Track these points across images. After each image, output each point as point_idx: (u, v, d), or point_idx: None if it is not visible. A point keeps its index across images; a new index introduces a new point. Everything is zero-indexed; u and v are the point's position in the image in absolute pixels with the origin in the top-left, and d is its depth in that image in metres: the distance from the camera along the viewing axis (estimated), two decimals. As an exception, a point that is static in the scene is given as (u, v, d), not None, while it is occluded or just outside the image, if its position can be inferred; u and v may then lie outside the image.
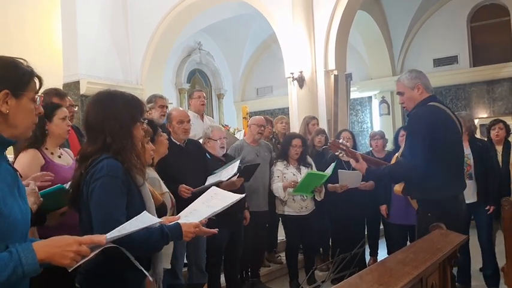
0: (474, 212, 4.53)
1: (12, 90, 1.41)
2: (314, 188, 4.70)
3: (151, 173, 2.71)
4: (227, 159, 4.28)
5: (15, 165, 2.43)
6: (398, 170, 3.14)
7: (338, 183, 4.85)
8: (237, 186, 3.92)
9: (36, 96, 1.48)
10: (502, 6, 10.22)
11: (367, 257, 5.49)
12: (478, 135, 5.29)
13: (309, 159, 4.98)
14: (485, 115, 10.15)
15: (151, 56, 9.35)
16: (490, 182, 4.52)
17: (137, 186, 1.91)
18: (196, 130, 4.79)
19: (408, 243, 4.57)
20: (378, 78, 11.32)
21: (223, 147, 4.29)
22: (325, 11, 7.81)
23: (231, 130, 9.08)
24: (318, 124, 6.19)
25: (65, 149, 2.90)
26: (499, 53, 10.18)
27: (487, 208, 4.53)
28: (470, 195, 4.30)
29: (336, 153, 3.54)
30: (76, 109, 4.05)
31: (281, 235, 5.42)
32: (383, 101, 11.40)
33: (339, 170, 4.80)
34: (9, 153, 2.21)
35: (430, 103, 3.09)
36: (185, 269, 3.90)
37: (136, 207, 1.85)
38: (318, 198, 4.83)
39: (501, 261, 4.19)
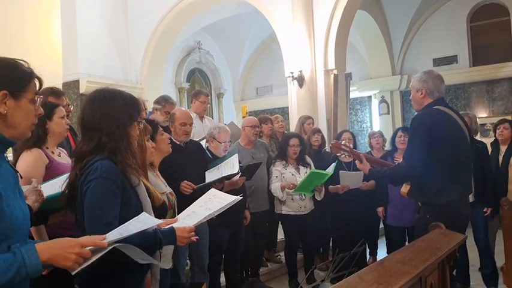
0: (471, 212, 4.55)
1: (11, 91, 1.41)
2: (315, 187, 4.71)
3: (152, 173, 2.71)
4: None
5: (19, 165, 2.45)
6: (397, 172, 3.17)
7: (339, 184, 4.86)
8: (239, 185, 3.97)
9: (36, 98, 1.48)
10: (502, 5, 10.21)
11: (368, 257, 5.49)
12: (477, 136, 5.28)
13: (308, 159, 4.98)
14: (484, 115, 10.15)
15: (151, 55, 9.35)
16: (487, 183, 4.54)
17: (133, 186, 1.89)
18: (195, 130, 4.76)
19: (407, 243, 4.58)
20: (377, 77, 11.31)
21: (225, 150, 4.30)
22: (325, 10, 7.82)
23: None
24: (313, 123, 6.18)
25: (60, 148, 2.89)
26: (498, 52, 10.16)
27: (484, 210, 4.57)
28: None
29: (338, 154, 3.55)
30: (71, 108, 4.00)
31: (281, 234, 5.42)
32: (382, 100, 11.39)
33: (340, 171, 4.80)
34: (9, 153, 2.20)
35: (434, 106, 3.12)
36: (187, 268, 3.91)
37: (132, 206, 1.85)
38: (318, 198, 4.84)
39: (500, 260, 4.20)
